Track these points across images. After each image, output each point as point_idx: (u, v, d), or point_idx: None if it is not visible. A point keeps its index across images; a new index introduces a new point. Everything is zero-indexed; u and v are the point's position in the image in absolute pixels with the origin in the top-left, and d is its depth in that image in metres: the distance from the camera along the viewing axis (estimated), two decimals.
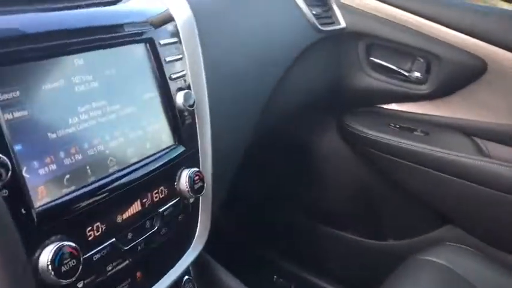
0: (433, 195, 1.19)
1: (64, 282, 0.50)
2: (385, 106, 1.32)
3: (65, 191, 0.53)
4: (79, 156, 0.55)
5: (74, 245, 0.51)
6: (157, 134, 0.66)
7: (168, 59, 0.68)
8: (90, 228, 0.55)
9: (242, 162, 0.93)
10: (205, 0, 0.87)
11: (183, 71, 0.71)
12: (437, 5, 1.20)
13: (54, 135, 0.53)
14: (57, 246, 0.49)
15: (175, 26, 0.72)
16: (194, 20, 0.75)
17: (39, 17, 0.55)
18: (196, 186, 0.68)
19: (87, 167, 0.56)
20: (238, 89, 0.90)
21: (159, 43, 0.67)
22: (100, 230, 0.56)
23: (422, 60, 1.22)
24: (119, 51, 0.62)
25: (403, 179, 1.23)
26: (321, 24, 1.17)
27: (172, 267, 0.70)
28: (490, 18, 1.16)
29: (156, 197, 0.64)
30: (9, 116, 0.48)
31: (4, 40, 0.49)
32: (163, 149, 0.67)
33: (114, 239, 0.58)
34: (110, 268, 0.58)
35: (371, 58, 1.28)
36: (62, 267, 0.49)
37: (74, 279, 0.51)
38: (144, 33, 0.66)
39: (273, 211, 1.48)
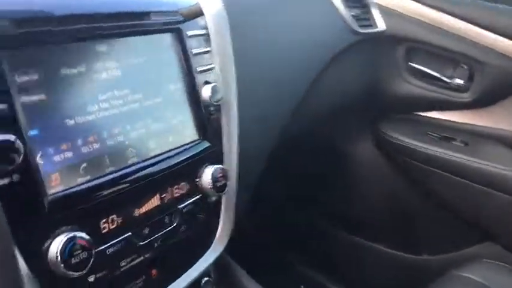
0: (471, 208, 1.14)
1: (74, 274, 0.48)
2: (423, 114, 1.28)
3: (81, 180, 0.51)
4: (97, 145, 0.53)
5: (86, 236, 0.49)
6: (181, 128, 0.64)
7: (195, 51, 0.66)
8: (104, 220, 0.53)
9: (268, 163, 0.90)
10: None
11: (211, 64, 0.69)
12: (483, 10, 1.15)
13: (72, 122, 0.51)
14: (68, 237, 0.47)
15: (204, 19, 0.70)
16: (226, 14, 0.74)
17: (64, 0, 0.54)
18: (218, 184, 0.66)
19: (106, 157, 0.54)
20: (270, 89, 0.88)
21: (187, 34, 0.65)
22: (115, 223, 0.54)
23: (465, 66, 1.17)
24: (145, 39, 0.61)
25: (439, 190, 1.18)
26: (360, 26, 1.15)
27: (190, 267, 0.68)
28: None
29: (176, 193, 0.62)
30: (26, 99, 0.47)
31: (26, 20, 0.48)
32: (187, 143, 0.65)
33: (129, 233, 0.56)
34: (123, 263, 0.56)
35: (410, 63, 1.24)
36: (72, 259, 0.48)
37: (84, 272, 0.49)
38: (171, 24, 0.64)
39: (297, 215, 1.45)
